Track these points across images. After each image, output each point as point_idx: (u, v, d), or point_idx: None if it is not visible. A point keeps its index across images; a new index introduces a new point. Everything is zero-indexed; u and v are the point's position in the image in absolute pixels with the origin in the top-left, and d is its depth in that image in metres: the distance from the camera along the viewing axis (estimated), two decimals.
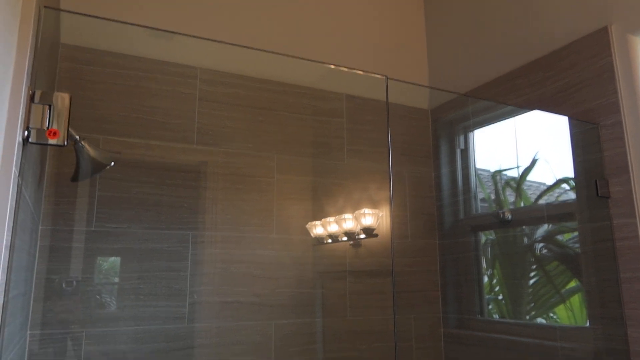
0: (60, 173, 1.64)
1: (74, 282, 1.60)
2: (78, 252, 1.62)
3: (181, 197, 1.81)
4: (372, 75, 1.87)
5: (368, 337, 2.02)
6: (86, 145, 1.35)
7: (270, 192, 1.97)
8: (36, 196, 1.41)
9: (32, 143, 0.90)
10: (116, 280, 1.65)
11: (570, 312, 1.93)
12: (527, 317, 1.99)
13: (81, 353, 1.55)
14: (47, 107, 0.92)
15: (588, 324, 1.71)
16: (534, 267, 2.08)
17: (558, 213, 1.88)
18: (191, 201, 1.82)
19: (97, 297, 1.62)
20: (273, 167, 1.99)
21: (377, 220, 2.18)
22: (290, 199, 2.01)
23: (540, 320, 1.98)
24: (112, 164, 1.39)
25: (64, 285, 1.58)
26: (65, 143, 0.93)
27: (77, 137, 1.34)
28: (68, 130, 0.93)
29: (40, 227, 1.58)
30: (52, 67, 1.55)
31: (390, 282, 2.11)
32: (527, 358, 1.80)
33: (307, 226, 2.08)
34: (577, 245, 1.85)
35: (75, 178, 1.36)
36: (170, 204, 1.78)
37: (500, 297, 2.18)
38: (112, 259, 1.66)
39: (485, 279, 2.17)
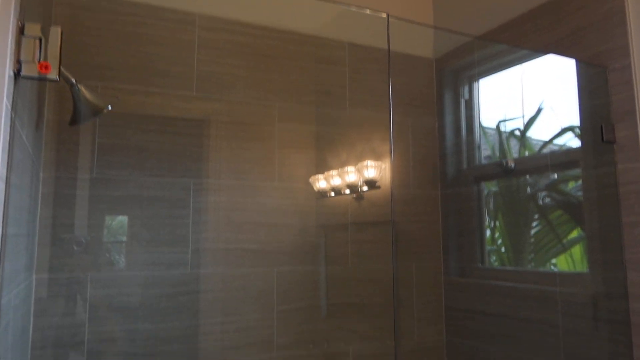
0: (59, 120, 1.62)
1: (78, 229, 1.61)
2: (80, 200, 1.63)
3: (182, 145, 1.79)
4: (373, 14, 1.82)
5: (369, 285, 2.04)
6: (82, 89, 1.33)
7: (272, 140, 1.95)
8: (35, 141, 1.40)
9: (24, 77, 0.89)
10: (119, 227, 1.66)
11: (570, 261, 1.95)
12: (529, 266, 2.01)
13: (87, 296, 1.58)
14: (37, 40, 0.89)
15: (588, 271, 1.72)
16: (536, 216, 2.08)
17: (562, 161, 1.86)
18: (192, 149, 1.81)
19: (101, 243, 1.63)
20: (274, 115, 1.97)
21: (380, 172, 2.17)
22: (292, 148, 1.99)
23: (540, 268, 1.99)
24: (110, 107, 1.37)
25: (68, 232, 1.59)
26: (58, 78, 0.91)
27: (74, 80, 1.32)
28: (60, 64, 0.91)
29: (41, 175, 1.58)
30: (47, 10, 1.51)
31: (392, 232, 2.11)
32: (526, 304, 1.82)
33: (310, 180, 2.07)
34: (580, 193, 1.84)
35: (73, 122, 1.34)
36: (171, 152, 1.77)
37: (501, 246, 2.19)
38: (114, 206, 1.66)
39: (487, 228, 2.18)
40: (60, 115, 1.63)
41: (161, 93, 1.79)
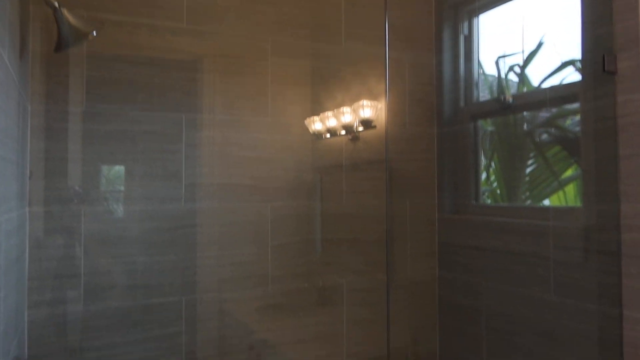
0: (46, 53, 1.57)
1: (70, 162, 1.59)
2: (71, 133, 1.60)
3: (172, 79, 1.75)
4: None
5: (363, 221, 2.05)
6: (66, 13, 1.28)
7: (265, 75, 1.90)
8: (21, 72, 1.36)
9: None
10: (110, 160, 1.65)
11: (564, 198, 1.95)
12: (523, 203, 2.02)
13: (81, 230, 1.58)
14: None
15: (582, 205, 1.73)
16: (532, 154, 2.07)
17: (561, 95, 1.83)
18: (183, 83, 1.77)
19: (93, 176, 1.62)
20: (267, 49, 1.91)
21: (376, 112, 2.14)
22: (286, 84, 1.95)
23: (534, 204, 2.00)
24: (95, 33, 1.32)
25: (61, 165, 1.58)
26: None
27: (56, 3, 1.26)
28: None
29: (29, 107, 1.54)
30: None
31: (386, 168, 2.10)
32: (519, 238, 1.84)
33: (305, 122, 2.04)
34: (577, 128, 1.82)
35: (58, 48, 1.30)
36: (161, 86, 1.73)
37: (495, 184, 2.19)
38: (105, 140, 1.64)
39: (483, 169, 2.17)
40: (47, 47, 1.57)
41: (150, 25, 1.73)
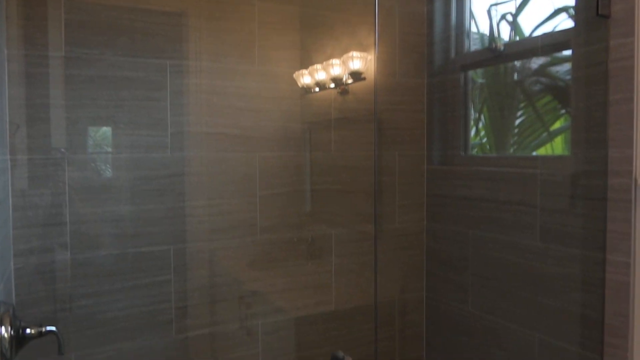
0: None
1: (52, 109, 1.55)
2: (52, 79, 1.55)
3: (155, 23, 1.69)
4: None
5: (352, 172, 2.05)
6: None
7: (252, 21, 1.85)
8: None
9: None
10: (93, 107, 1.60)
11: (551, 151, 1.95)
12: (511, 151, 2.02)
13: (65, 178, 1.56)
14: None
15: (570, 154, 1.73)
16: (522, 105, 2.05)
17: (553, 42, 1.80)
18: (166, 28, 1.71)
19: (76, 123, 1.58)
20: None
21: (366, 64, 2.09)
22: (274, 30, 1.89)
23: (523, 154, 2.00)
24: None
25: (41, 112, 1.53)
26: None
27: None
28: None
29: (6, 51, 1.49)
30: None
31: (375, 119, 2.08)
32: (506, 187, 1.85)
33: (294, 75, 2.00)
34: (569, 77, 1.80)
35: None
36: (144, 30, 1.67)
37: (484, 136, 2.19)
38: (86, 85, 1.59)
39: (472, 117, 2.15)
40: None
41: None
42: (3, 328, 1.11)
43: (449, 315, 2.11)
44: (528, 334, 1.77)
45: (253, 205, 1.84)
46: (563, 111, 1.91)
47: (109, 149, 1.64)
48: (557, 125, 1.98)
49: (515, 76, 2.05)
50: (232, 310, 1.83)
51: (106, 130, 1.63)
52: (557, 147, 1.93)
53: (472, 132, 2.17)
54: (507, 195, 1.85)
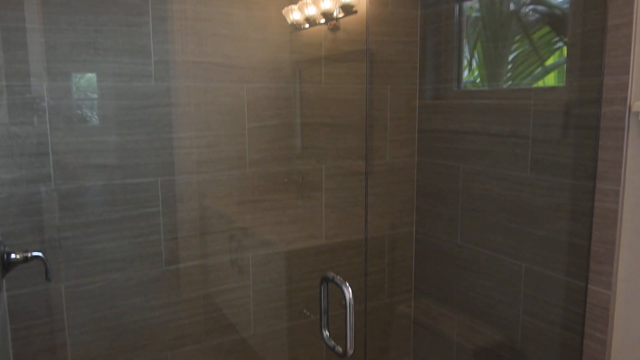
0: None
1: (29, 32, 1.47)
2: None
3: None
4: None
5: (343, 105, 2.00)
6: None
7: None
8: None
9: None
10: (71, 31, 1.52)
11: (545, 82, 1.91)
12: (505, 86, 1.98)
13: (45, 106, 1.50)
14: None
15: (564, 84, 1.70)
16: (517, 38, 1.99)
17: None
18: None
19: (54, 48, 1.51)
20: None
21: None
22: None
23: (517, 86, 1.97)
24: None
25: (17, 35, 1.46)
26: None
27: None
28: None
29: None
30: None
31: (367, 51, 2.02)
32: (498, 119, 1.83)
33: (283, 12, 1.91)
34: (567, 5, 1.74)
35: None
36: None
37: (477, 73, 2.14)
38: (64, 8, 1.50)
39: (466, 50, 2.10)
40: None
41: None
42: None
43: (438, 249, 2.13)
44: (515, 263, 1.80)
45: (242, 137, 1.81)
46: (560, 44, 1.86)
47: (90, 77, 1.57)
48: (553, 59, 1.94)
49: (511, 6, 1.98)
50: (222, 243, 1.83)
51: (86, 57, 1.56)
52: (550, 79, 1.89)
53: (466, 65, 2.12)
54: (498, 127, 1.83)
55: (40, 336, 1.57)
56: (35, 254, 1.20)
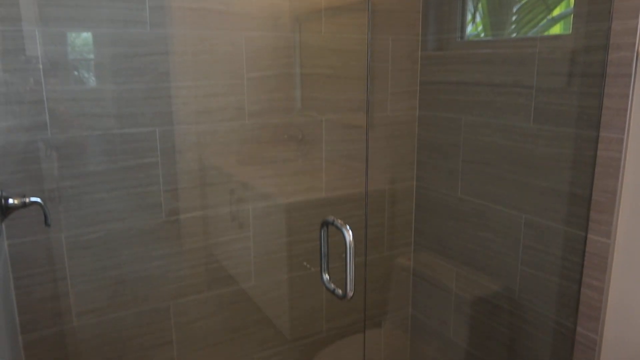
0: None
1: None
2: None
3: None
4: None
5: (343, 56, 1.96)
6: None
7: None
8: None
9: None
10: None
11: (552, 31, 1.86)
12: (510, 36, 1.93)
13: (38, 52, 1.46)
14: None
15: (571, 32, 1.65)
16: None
17: None
18: None
19: None
20: None
21: None
22: None
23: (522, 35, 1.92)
24: None
25: None
26: None
27: None
28: None
29: None
30: None
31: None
32: (502, 69, 1.79)
33: None
34: None
35: None
36: None
37: (481, 24, 2.08)
38: None
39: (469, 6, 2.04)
40: None
41: None
42: None
43: (438, 202, 2.13)
44: (515, 215, 1.80)
45: (240, 87, 1.77)
46: None
47: (83, 23, 1.52)
48: (559, 10, 1.88)
49: None
50: (222, 195, 1.82)
51: (78, 1, 1.51)
52: (556, 28, 1.84)
53: (469, 17, 2.06)
54: (502, 77, 1.79)
55: (43, 285, 1.58)
56: (33, 199, 1.19)
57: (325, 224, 1.23)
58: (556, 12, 1.86)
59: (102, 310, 1.68)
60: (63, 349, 1.65)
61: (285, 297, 2.03)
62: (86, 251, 1.62)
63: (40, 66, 1.47)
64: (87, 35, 1.53)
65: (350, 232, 1.16)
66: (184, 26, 1.65)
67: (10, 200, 1.15)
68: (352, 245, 1.15)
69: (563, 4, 1.86)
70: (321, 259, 1.27)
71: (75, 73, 1.53)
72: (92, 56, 1.54)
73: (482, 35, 2.06)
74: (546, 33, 1.85)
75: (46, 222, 1.25)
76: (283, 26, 1.83)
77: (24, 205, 1.17)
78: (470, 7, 2.04)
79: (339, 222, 1.18)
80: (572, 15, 1.68)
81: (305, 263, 2.00)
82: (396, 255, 2.27)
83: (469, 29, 2.05)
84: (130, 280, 1.71)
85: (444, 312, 2.15)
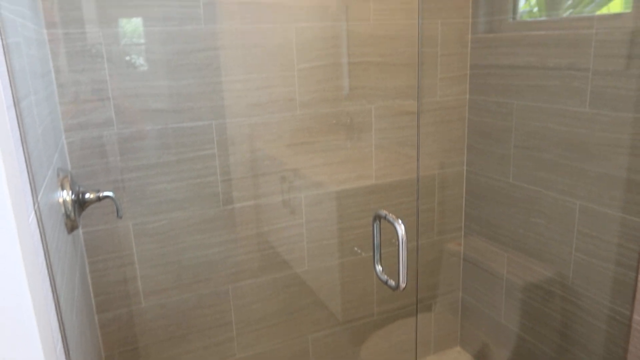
0: None
1: None
2: None
3: None
4: None
5: (391, 42, 1.96)
6: None
7: None
8: None
9: None
10: None
11: (610, 8, 1.79)
12: (564, 15, 1.87)
13: (103, 53, 1.56)
14: None
15: (631, 10, 1.59)
16: None
17: None
18: None
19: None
20: None
21: None
22: None
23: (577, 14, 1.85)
24: None
25: None
26: None
27: None
28: None
29: None
30: None
31: None
32: (557, 51, 1.74)
33: None
34: None
35: None
36: None
37: (535, 8, 2.02)
38: None
39: None
40: None
41: None
42: (65, 191, 1.19)
43: (489, 188, 2.12)
44: (569, 201, 1.77)
45: (291, 79, 1.82)
46: None
47: (143, 22, 1.61)
48: None
49: None
50: (275, 184, 1.89)
51: (137, 2, 1.58)
52: (616, 5, 1.77)
53: None
54: (556, 60, 1.75)
55: (114, 269, 1.71)
56: (106, 193, 1.29)
57: (378, 217, 1.26)
58: None
59: (167, 292, 1.80)
60: (133, 328, 1.79)
61: (337, 281, 2.09)
62: (152, 238, 1.74)
63: (105, 65, 1.57)
64: (146, 34, 1.61)
65: (403, 226, 1.19)
66: (236, 21, 1.71)
67: (87, 195, 1.26)
68: (405, 239, 1.18)
69: None
70: (374, 251, 1.31)
71: (136, 70, 1.62)
72: (151, 54, 1.63)
73: (537, 12, 2.00)
74: (604, 10, 1.78)
75: (118, 214, 1.35)
76: (332, 15, 1.85)
77: (99, 199, 1.27)
78: None
79: (391, 216, 1.22)
80: None
81: (356, 248, 2.05)
82: (446, 240, 2.28)
83: (522, 7, 1.99)
84: (192, 265, 1.81)
85: (494, 296, 2.15)
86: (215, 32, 1.68)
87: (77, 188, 1.25)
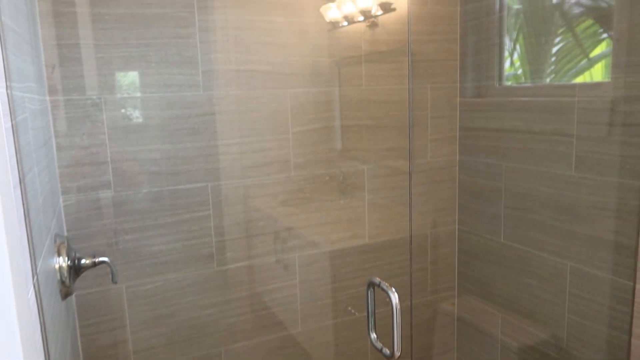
0: None
1: (83, 48, 1.57)
2: (80, 17, 1.56)
3: None
4: None
5: (383, 106, 2.03)
6: None
7: None
8: None
9: None
10: (124, 45, 1.62)
11: (590, 78, 1.88)
12: (547, 81, 1.96)
13: (103, 118, 1.60)
14: None
15: (610, 80, 1.67)
16: (560, 31, 1.96)
17: None
18: None
19: (109, 63, 1.60)
20: None
21: None
22: None
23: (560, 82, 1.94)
24: None
25: (73, 51, 1.56)
26: None
27: None
28: None
29: None
30: None
31: (408, 49, 2.04)
32: (541, 117, 1.82)
33: (320, 10, 1.94)
34: None
35: None
36: None
37: (520, 69, 2.12)
38: (116, 23, 1.60)
39: (507, 46, 2.08)
40: None
41: None
42: (61, 258, 1.19)
43: (481, 247, 2.14)
44: (560, 262, 1.79)
45: (285, 142, 1.87)
46: (604, 35, 1.82)
47: (143, 88, 1.66)
48: (597, 51, 1.90)
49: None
50: (269, 244, 1.90)
51: (138, 70, 1.65)
52: (596, 74, 1.86)
53: (507, 62, 2.10)
54: (542, 125, 1.82)
55: (105, 332, 1.69)
56: (102, 259, 1.30)
57: (372, 284, 1.27)
58: (594, 53, 1.88)
59: (159, 356, 1.77)
60: None
61: (332, 343, 2.07)
62: (144, 300, 1.73)
63: (105, 130, 1.61)
64: (146, 102, 1.67)
65: (397, 294, 1.20)
66: (233, 87, 1.77)
67: (83, 261, 1.26)
68: (399, 307, 1.19)
69: (601, 46, 1.88)
70: (368, 318, 1.31)
71: (135, 135, 1.66)
72: (150, 119, 1.67)
73: (521, 75, 2.09)
74: (585, 78, 1.87)
75: (113, 280, 1.35)
76: (325, 81, 1.92)
77: (94, 264, 1.28)
78: (508, 52, 2.08)
79: (385, 284, 1.23)
80: (610, 62, 1.70)
81: (350, 308, 2.05)
82: (440, 299, 2.28)
83: (507, 74, 2.09)
84: (184, 327, 1.79)
85: (489, 357, 2.13)
86: (213, 98, 1.74)
87: (73, 254, 1.26)
